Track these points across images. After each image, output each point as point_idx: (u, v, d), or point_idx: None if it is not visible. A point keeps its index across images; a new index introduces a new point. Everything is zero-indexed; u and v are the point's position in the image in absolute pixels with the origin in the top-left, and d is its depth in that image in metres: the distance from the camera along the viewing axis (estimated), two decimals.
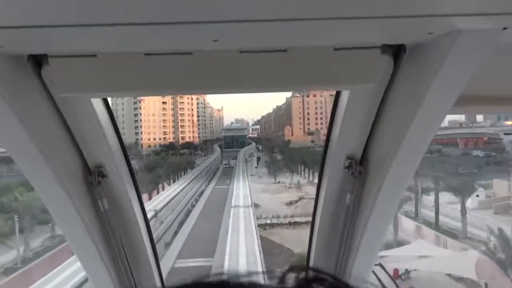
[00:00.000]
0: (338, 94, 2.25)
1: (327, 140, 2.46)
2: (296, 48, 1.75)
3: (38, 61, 1.77)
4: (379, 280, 3.17)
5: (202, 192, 65.33)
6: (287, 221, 50.86)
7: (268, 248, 38.15)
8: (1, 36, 1.45)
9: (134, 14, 1.35)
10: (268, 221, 50.74)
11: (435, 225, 41.24)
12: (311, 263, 2.89)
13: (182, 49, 1.74)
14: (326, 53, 1.75)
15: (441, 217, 41.93)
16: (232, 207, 48.15)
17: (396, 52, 1.84)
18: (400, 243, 35.80)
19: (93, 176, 2.30)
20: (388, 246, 33.10)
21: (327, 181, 2.53)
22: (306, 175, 76.94)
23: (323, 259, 2.77)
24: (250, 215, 44.99)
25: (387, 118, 2.10)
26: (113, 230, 2.46)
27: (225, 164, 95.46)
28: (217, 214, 48.51)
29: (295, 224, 49.29)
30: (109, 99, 2.31)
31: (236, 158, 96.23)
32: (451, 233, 38.48)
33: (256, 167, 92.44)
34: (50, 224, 39.01)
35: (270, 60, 1.78)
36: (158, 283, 2.90)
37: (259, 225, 43.70)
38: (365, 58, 1.79)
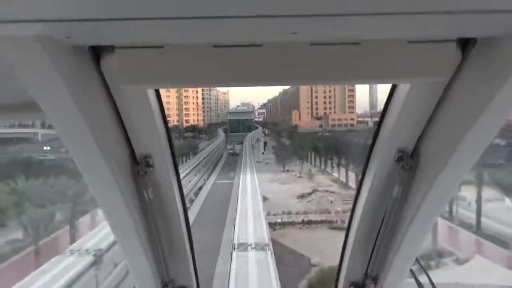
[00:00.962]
0: (394, 86, 2.20)
1: (377, 131, 2.42)
2: (369, 41, 1.73)
3: (97, 52, 1.79)
4: (416, 279, 3.00)
5: (200, 188, 55.93)
6: (299, 220, 43.52)
7: (280, 255, 30.08)
8: (69, 29, 1.51)
9: (205, 7, 1.37)
10: (278, 219, 42.94)
11: (477, 229, 34.29)
12: (347, 255, 2.85)
13: (253, 41, 1.75)
14: (399, 46, 1.74)
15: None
16: (235, 248, 25.96)
17: (465, 44, 1.77)
18: (440, 254, 28.95)
19: (140, 166, 2.32)
20: (427, 257, 26.25)
21: (373, 173, 2.47)
22: (317, 163, 70.48)
23: (360, 251, 2.76)
24: (270, 274, 22.64)
25: (448, 112, 2.02)
26: (156, 220, 2.50)
27: (229, 149, 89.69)
28: (214, 232, 34.85)
29: (309, 223, 42.51)
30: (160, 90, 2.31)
31: (241, 143, 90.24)
32: (499, 240, 31.29)
33: (263, 153, 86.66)
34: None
35: (342, 52, 1.77)
36: (193, 276, 2.97)
37: (268, 224, 35.07)
38: (437, 52, 1.77)
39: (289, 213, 44.36)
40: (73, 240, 31.20)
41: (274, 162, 74.14)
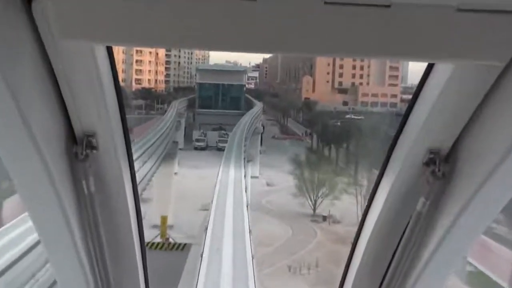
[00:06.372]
0: (430, 66, 1.65)
1: (403, 124, 1.86)
2: (403, 5, 1.27)
3: None
4: None
5: None
6: None
7: None
8: None
9: None
10: None
11: None
12: (350, 279, 2.21)
13: None
14: (444, 14, 1.26)
15: None
16: None
17: None
18: None
19: (79, 147, 1.74)
20: None
21: (394, 178, 1.88)
22: None
23: (369, 275, 2.12)
24: None
25: (500, 106, 1.50)
26: (97, 221, 1.90)
27: (197, 142, 42.31)
28: None
29: None
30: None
31: (219, 130, 42.80)
32: None
33: (260, 152, 40.05)
34: None
35: (365, 17, 1.29)
36: None
37: None
38: (494, 27, 1.28)
39: None
40: None
41: (283, 172, 27.97)
